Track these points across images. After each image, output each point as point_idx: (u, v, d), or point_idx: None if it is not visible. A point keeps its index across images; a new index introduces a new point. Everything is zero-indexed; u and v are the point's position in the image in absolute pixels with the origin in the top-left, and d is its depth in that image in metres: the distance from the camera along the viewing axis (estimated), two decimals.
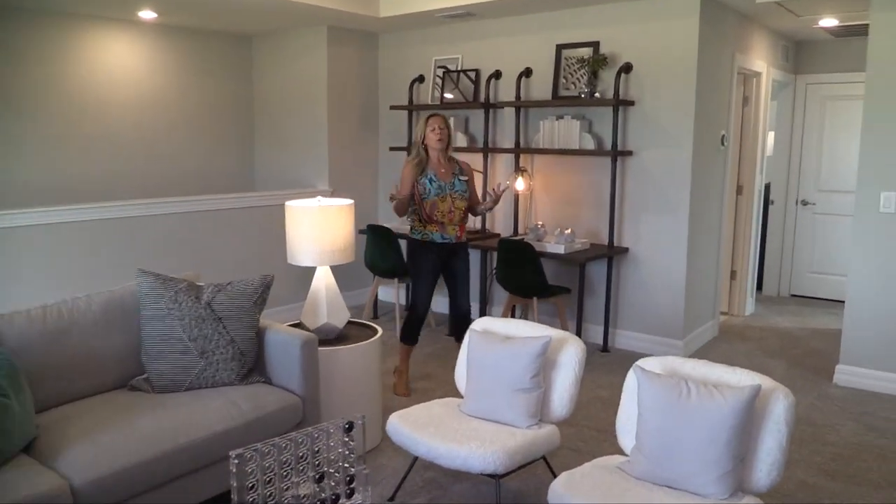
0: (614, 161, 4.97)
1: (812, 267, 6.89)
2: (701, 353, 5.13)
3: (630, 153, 5.03)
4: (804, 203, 6.87)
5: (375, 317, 6.03)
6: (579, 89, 5.08)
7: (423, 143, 4.15)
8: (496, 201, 4.17)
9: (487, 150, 5.66)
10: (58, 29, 5.40)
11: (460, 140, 5.80)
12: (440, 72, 5.97)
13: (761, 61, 5.87)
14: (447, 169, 4.16)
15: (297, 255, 3.51)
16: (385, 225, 5.82)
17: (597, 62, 4.96)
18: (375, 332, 3.78)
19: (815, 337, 5.62)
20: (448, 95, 5.85)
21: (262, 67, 6.59)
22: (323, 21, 5.85)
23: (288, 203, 3.50)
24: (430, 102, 6.04)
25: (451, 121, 5.09)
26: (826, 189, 6.76)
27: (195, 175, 6.37)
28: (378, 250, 5.50)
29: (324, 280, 3.64)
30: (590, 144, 5.09)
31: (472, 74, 5.76)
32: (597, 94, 5.04)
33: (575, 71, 5.17)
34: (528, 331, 3.18)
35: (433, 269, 4.20)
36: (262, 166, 6.74)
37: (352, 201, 3.71)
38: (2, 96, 5.17)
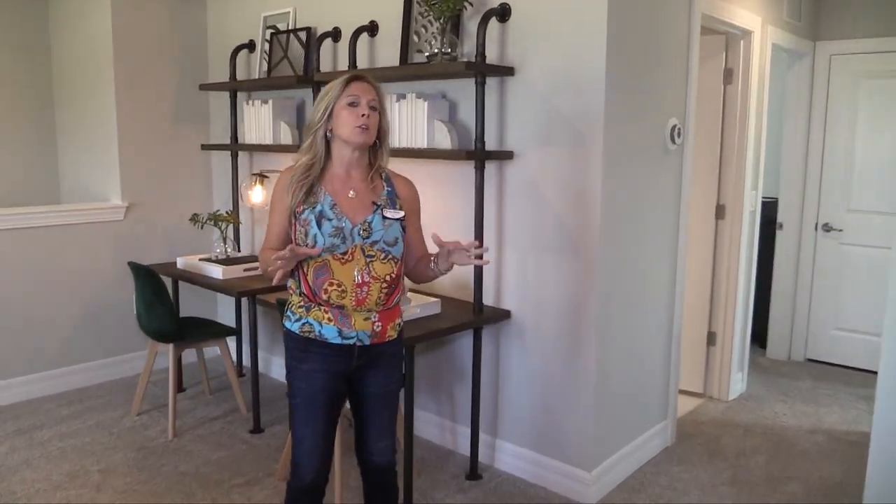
0: (480, 168, 2.97)
1: (838, 322, 4.76)
2: (632, 487, 3.10)
3: (510, 155, 3.03)
4: (827, 229, 4.74)
5: (182, 390, 4.14)
6: (434, 49, 3.09)
7: (326, 131, 2.06)
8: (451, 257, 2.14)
9: None
10: None
11: (284, 135, 3.85)
12: (269, 34, 4.06)
13: (752, 14, 3.80)
14: (363, 190, 2.10)
15: None
16: (158, 264, 3.98)
17: (450, 3, 2.97)
18: None
19: (832, 451, 3.52)
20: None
21: (61, 32, 4.76)
22: None
23: None
24: (257, 77, 4.13)
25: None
26: (859, 209, 4.63)
27: None
28: (143, 302, 3.60)
29: None
30: (444, 140, 3.10)
31: (303, 35, 3.83)
32: (462, 58, 3.07)
33: (431, 23, 3.20)
34: None
35: (325, 391, 2.11)
36: (68, 171, 4.92)
37: None
38: None
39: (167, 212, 4.48)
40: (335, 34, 3.65)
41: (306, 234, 2.04)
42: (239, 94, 4.24)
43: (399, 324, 2.23)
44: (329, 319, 2.08)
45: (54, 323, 4.10)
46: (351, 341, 2.10)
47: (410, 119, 3.15)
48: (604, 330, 2.93)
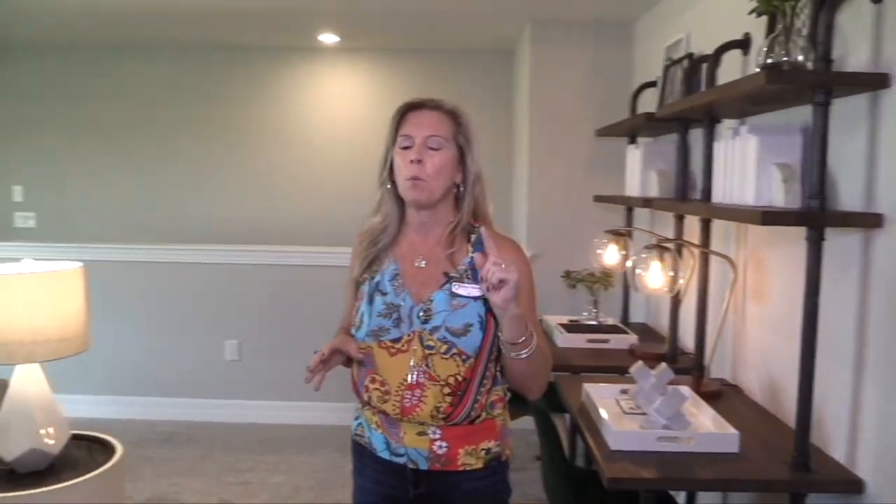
0: (814, 240, 1.83)
1: None
2: None
3: (876, 221, 1.80)
4: None
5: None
6: (768, 59, 2.07)
7: (390, 179, 1.60)
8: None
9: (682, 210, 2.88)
10: (246, 63, 5.25)
11: (651, 186, 3.14)
12: (664, 66, 3.42)
13: None
14: (437, 258, 1.57)
15: None
16: None
17: None
18: (112, 451, 2.44)
19: None
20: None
21: (520, 87, 5.03)
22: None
23: None
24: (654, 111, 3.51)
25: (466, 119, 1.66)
26: None
27: None
28: None
29: (28, 384, 2.33)
30: (778, 194, 2.02)
31: (687, 63, 3.09)
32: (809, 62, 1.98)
33: (806, 23, 2.16)
34: None
35: None
36: (532, 215, 5.09)
37: (77, 265, 2.30)
38: (198, 134, 5.29)
39: (565, 265, 4.22)
40: (715, 58, 2.83)
41: (360, 305, 1.59)
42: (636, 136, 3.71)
43: (490, 451, 1.55)
44: (377, 424, 1.58)
45: None
46: (401, 460, 1.54)
47: (740, 162, 2.19)
48: None
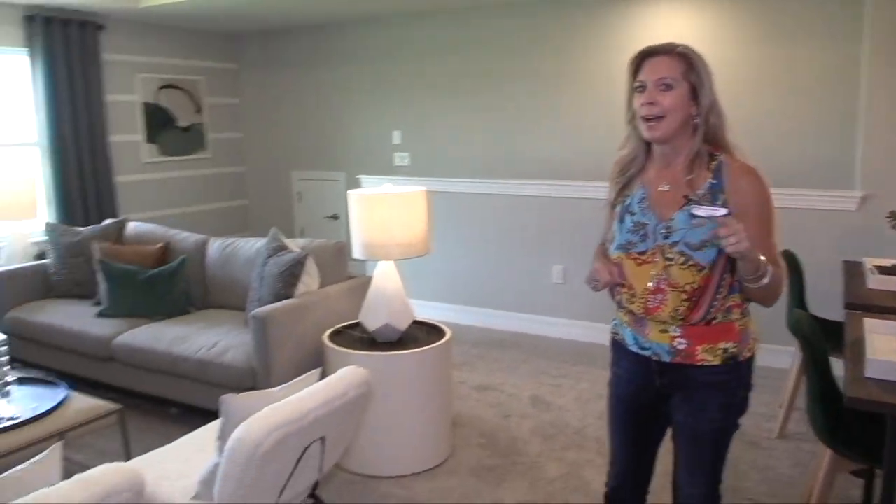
0: None
1: None
2: None
3: None
4: None
5: None
6: None
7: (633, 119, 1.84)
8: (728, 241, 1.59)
9: None
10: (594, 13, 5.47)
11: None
12: None
13: None
14: (679, 182, 1.78)
15: (355, 249, 3.14)
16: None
17: None
18: (442, 334, 3.26)
19: None
20: None
21: (872, 18, 4.53)
22: None
23: (350, 192, 3.15)
24: None
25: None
26: None
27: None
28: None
29: (386, 276, 3.15)
30: None
31: None
32: None
33: None
34: None
35: (624, 401, 2.00)
36: (867, 153, 4.66)
37: (421, 189, 3.03)
38: (530, 82, 5.73)
39: None
40: None
41: (614, 225, 1.91)
42: None
43: (728, 350, 1.79)
44: (628, 323, 1.92)
45: None
46: (647, 353, 1.87)
47: None
48: None
